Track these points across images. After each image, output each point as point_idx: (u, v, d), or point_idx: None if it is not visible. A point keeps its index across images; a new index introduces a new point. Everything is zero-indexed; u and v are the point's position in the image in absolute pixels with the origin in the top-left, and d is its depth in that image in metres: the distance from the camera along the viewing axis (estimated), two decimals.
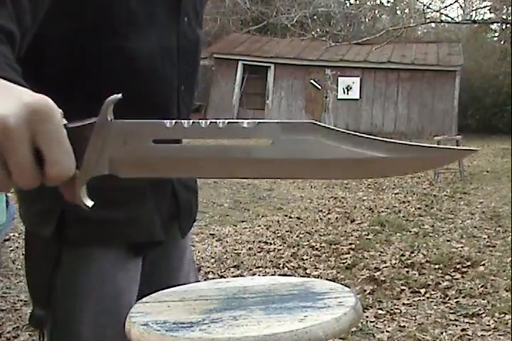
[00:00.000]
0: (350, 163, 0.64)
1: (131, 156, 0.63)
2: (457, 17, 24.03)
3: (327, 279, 3.60)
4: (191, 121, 0.63)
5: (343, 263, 4.58)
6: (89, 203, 0.63)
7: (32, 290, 1.17)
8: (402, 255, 4.75)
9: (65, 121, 0.60)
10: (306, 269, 4.46)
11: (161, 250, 1.22)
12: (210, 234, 5.52)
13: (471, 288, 3.93)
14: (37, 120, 0.57)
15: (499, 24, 21.00)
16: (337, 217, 6.35)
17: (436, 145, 0.67)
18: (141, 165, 0.64)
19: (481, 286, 3.96)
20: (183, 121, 0.63)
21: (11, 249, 4.82)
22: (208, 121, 0.63)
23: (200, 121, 0.63)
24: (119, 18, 1.04)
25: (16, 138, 0.56)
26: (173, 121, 0.63)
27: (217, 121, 0.63)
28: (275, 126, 0.64)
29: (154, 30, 1.09)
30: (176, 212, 1.23)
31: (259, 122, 0.63)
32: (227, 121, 0.63)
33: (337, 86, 17.73)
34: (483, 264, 4.45)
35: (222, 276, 4.20)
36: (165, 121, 0.63)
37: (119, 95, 0.63)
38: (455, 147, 0.68)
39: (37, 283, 1.15)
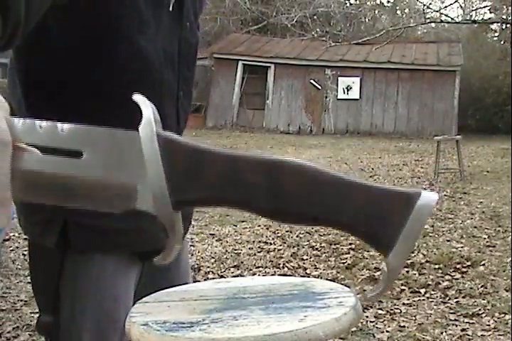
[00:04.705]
0: None
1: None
2: (457, 17, 24.03)
3: (327, 279, 3.60)
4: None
5: (343, 263, 4.58)
6: None
7: (38, 297, 1.16)
8: None
9: None
10: (306, 269, 4.46)
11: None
12: (210, 234, 5.51)
13: (471, 288, 3.92)
14: None
15: (499, 24, 21.01)
16: None
17: None
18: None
19: (481, 286, 3.95)
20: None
21: (11, 248, 4.81)
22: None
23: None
24: (131, 23, 1.03)
25: None
26: None
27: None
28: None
29: (160, 36, 1.09)
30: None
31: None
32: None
33: (337, 86, 17.74)
34: (483, 264, 4.45)
35: (222, 276, 4.19)
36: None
37: None
38: None
39: (43, 291, 1.14)
